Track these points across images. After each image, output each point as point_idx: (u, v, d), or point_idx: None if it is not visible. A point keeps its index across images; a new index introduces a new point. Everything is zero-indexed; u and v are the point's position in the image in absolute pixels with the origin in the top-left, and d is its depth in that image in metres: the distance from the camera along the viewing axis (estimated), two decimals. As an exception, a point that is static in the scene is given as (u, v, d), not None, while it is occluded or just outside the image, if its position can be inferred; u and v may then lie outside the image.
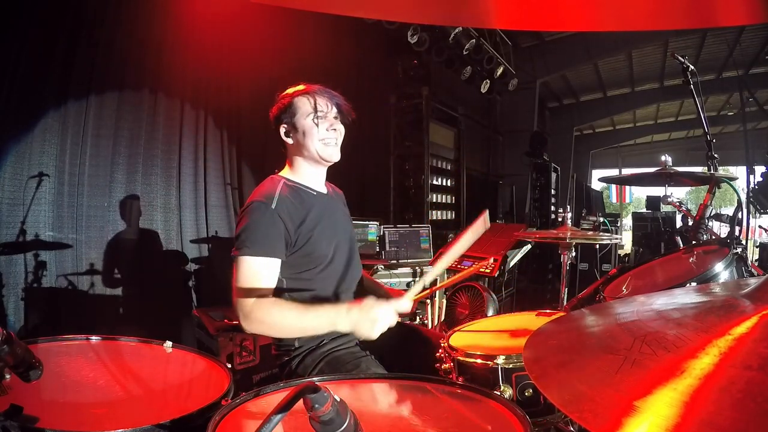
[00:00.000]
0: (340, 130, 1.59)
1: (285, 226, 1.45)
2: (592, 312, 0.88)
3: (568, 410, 0.54)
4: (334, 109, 1.59)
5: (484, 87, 5.64)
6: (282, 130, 1.59)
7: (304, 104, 1.57)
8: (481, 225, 1.43)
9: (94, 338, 1.25)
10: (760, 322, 0.55)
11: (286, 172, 1.64)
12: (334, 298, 1.57)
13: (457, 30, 4.58)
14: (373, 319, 1.29)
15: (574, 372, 0.62)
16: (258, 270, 1.38)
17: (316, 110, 1.55)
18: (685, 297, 0.80)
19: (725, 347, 0.53)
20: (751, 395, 0.45)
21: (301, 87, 1.60)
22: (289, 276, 1.49)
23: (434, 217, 6.32)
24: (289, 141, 1.59)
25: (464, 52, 4.85)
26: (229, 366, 1.09)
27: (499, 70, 5.56)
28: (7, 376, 0.83)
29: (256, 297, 1.34)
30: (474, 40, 4.85)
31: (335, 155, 1.59)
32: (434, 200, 6.33)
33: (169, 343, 1.22)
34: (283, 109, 1.58)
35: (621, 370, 0.56)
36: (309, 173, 1.63)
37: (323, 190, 1.66)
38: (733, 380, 0.48)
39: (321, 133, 1.55)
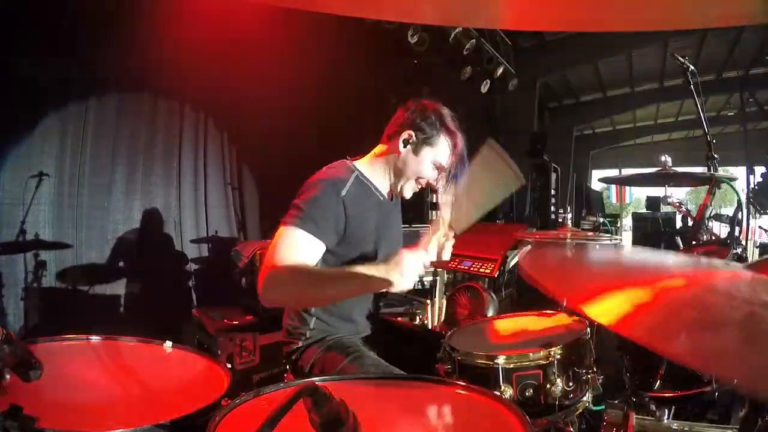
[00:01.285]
0: (431, 187, 1.55)
1: (345, 216, 1.40)
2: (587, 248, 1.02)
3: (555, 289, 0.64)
4: (448, 178, 1.52)
5: (484, 87, 5.63)
6: (405, 135, 1.48)
7: (444, 150, 1.49)
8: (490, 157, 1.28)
9: (94, 338, 1.24)
10: (740, 275, 0.65)
11: (363, 165, 1.55)
12: (362, 302, 1.58)
13: (457, 30, 4.57)
14: (406, 265, 1.22)
15: (564, 270, 0.75)
16: (302, 244, 1.30)
17: (444, 166, 1.49)
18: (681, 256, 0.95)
19: (699, 278, 0.64)
20: (707, 310, 0.54)
21: (454, 127, 1.50)
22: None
23: (434, 217, 6.32)
24: (401, 148, 1.48)
25: (464, 52, 4.84)
26: (229, 366, 1.09)
27: (499, 70, 5.55)
28: (7, 376, 0.83)
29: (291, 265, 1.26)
30: (474, 40, 4.84)
31: (408, 197, 1.58)
32: (434, 200, 6.32)
33: (169, 343, 1.22)
34: (428, 125, 1.47)
35: (606, 273, 0.70)
36: (384, 179, 1.56)
37: (388, 198, 1.61)
38: (701, 299, 0.58)
39: (423, 179, 1.50)
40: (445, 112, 1.52)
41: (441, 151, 1.48)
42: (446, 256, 1.42)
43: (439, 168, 1.50)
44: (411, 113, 1.51)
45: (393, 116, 1.57)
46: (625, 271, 0.70)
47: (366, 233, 1.47)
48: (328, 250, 1.43)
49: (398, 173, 1.52)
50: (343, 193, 1.41)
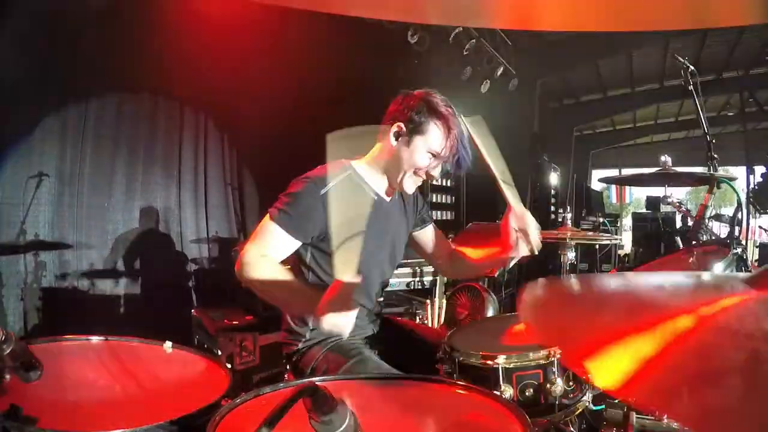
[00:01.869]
0: (430, 178, 1.52)
1: (325, 213, 1.39)
2: (587, 280, 0.91)
3: (544, 338, 0.61)
4: (448, 165, 1.49)
5: (484, 87, 5.63)
6: (395, 128, 1.46)
7: (436, 135, 1.44)
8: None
9: (94, 338, 1.25)
10: (746, 301, 0.58)
11: (359, 164, 1.55)
12: (363, 302, 1.57)
13: (457, 30, 4.57)
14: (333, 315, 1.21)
15: (560, 315, 0.67)
16: (275, 237, 1.39)
17: (440, 152, 1.45)
18: (683, 277, 0.82)
19: (705, 314, 0.55)
20: (711, 358, 0.49)
21: (446, 111, 1.46)
22: (315, 269, 1.49)
23: (434, 217, 6.29)
24: (393, 142, 1.47)
25: (464, 52, 4.84)
26: (229, 366, 1.09)
27: (499, 70, 5.55)
28: (7, 376, 0.83)
29: (263, 255, 1.34)
30: (474, 40, 4.84)
31: (410, 192, 1.54)
32: (434, 200, 6.32)
33: (169, 344, 1.22)
34: (415, 114, 1.44)
35: (604, 320, 0.60)
36: (381, 177, 1.55)
37: (386, 196, 1.58)
38: (702, 342, 0.52)
39: (421, 169, 1.47)
40: (435, 98, 1.48)
41: (433, 137, 1.45)
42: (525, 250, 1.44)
43: (436, 156, 1.47)
44: (399, 105, 1.50)
45: (384, 118, 1.55)
46: (626, 313, 0.63)
47: (353, 232, 1.47)
48: (315, 246, 1.46)
49: (394, 168, 1.50)
50: (323, 191, 1.41)
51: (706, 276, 0.87)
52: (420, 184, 1.55)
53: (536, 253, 1.45)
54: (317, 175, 1.45)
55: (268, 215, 1.41)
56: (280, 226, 1.38)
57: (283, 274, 1.35)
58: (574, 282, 0.85)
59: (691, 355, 0.50)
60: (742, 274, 0.71)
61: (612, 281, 0.82)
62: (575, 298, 0.73)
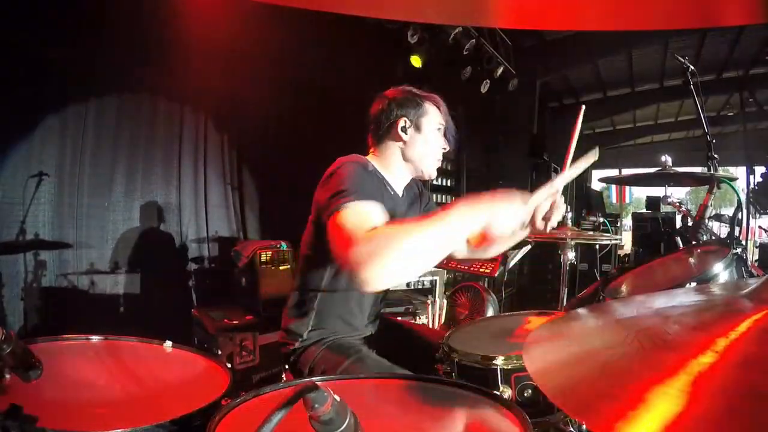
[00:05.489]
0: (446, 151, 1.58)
1: (375, 188, 1.41)
2: (592, 310, 0.88)
3: (563, 405, 0.54)
4: (447, 138, 1.57)
5: (484, 87, 5.63)
6: (400, 123, 1.52)
7: (435, 112, 1.54)
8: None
9: (94, 338, 1.25)
10: (758, 322, 0.55)
11: (374, 160, 1.55)
12: (361, 304, 1.57)
13: (457, 30, 4.57)
14: (512, 206, 1.13)
15: (570, 367, 0.62)
16: (368, 211, 1.19)
17: (445, 125, 1.54)
18: (685, 297, 0.80)
19: (724, 346, 0.52)
20: (745, 395, 0.46)
21: (427, 92, 1.56)
22: (329, 273, 1.49)
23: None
24: (404, 136, 1.52)
25: (464, 52, 4.84)
26: (229, 366, 1.09)
27: (499, 70, 5.55)
28: (7, 376, 0.84)
29: (372, 229, 1.12)
30: (474, 40, 4.84)
31: (434, 175, 1.59)
32: (434, 200, 6.33)
33: (169, 343, 1.22)
34: (409, 102, 1.52)
35: (618, 366, 0.56)
36: (398, 173, 1.58)
37: (399, 192, 1.61)
38: (731, 379, 0.48)
39: (440, 150, 1.54)
40: (411, 87, 1.59)
41: (433, 115, 1.55)
42: (546, 225, 1.35)
43: (442, 129, 1.56)
44: (388, 105, 1.54)
45: (371, 124, 1.59)
46: (643, 358, 0.56)
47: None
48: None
49: (413, 158, 1.55)
50: (369, 168, 1.45)
51: (706, 294, 0.82)
52: (439, 165, 1.59)
53: (541, 230, 1.36)
54: (355, 159, 1.43)
55: (337, 213, 1.20)
56: (362, 200, 1.21)
57: (411, 223, 1.18)
58: (577, 319, 0.81)
59: (728, 396, 0.46)
60: (743, 290, 0.67)
61: (615, 312, 0.79)
62: (584, 346, 0.68)
